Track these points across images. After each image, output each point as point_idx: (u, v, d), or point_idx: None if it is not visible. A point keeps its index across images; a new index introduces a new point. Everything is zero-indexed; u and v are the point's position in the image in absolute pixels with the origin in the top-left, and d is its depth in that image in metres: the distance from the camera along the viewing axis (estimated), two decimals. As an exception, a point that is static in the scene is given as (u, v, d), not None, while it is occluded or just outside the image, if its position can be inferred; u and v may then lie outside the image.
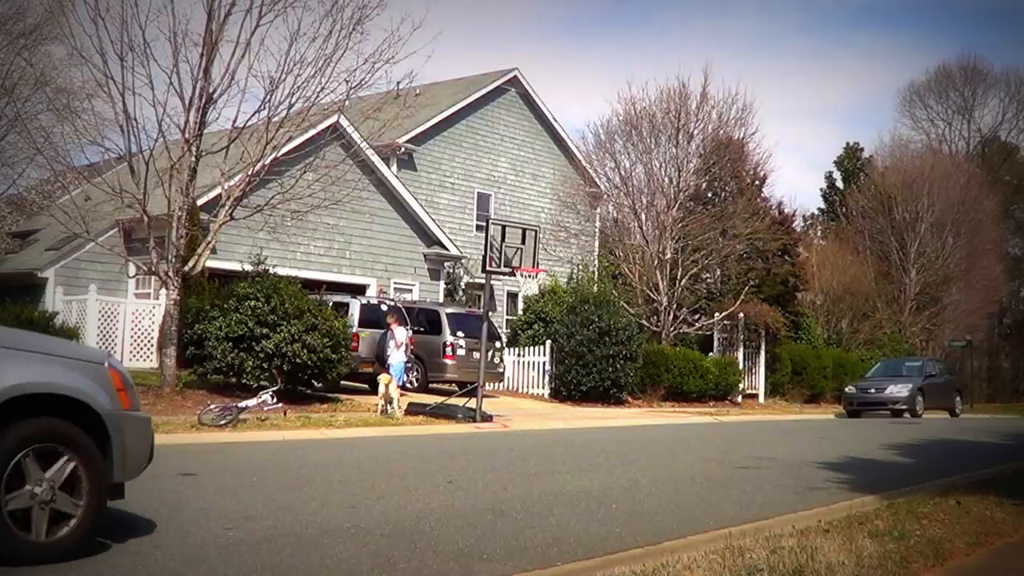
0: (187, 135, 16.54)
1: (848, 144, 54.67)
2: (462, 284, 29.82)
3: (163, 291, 17.65)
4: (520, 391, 25.19)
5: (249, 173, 17.04)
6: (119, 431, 5.67)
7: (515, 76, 32.87)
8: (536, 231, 18.28)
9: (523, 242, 17.43)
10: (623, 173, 30.18)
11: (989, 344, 56.33)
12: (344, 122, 20.67)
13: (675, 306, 28.39)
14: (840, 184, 53.08)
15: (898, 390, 27.52)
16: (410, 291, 26.63)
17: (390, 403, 16.57)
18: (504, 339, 26.46)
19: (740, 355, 30.59)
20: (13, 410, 5.17)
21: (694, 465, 11.47)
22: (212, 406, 14.31)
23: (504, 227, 17.67)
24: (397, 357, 17.64)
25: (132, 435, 5.80)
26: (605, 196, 31.61)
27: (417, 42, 55.24)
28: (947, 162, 48.88)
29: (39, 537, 5.21)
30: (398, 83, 20.11)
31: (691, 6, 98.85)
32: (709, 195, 31.00)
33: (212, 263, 18.93)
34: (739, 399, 29.22)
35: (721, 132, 29.86)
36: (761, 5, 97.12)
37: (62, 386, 5.46)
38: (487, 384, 20.76)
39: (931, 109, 61.06)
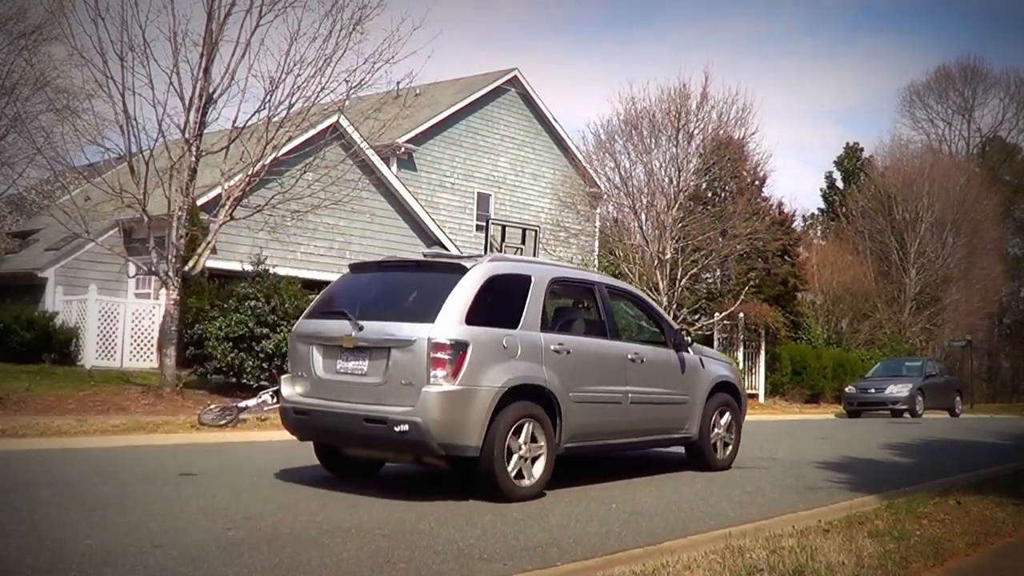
0: (187, 135, 16.55)
1: (848, 144, 54.71)
2: (462, 284, 29.77)
3: (163, 291, 17.66)
4: (520, 391, 25.13)
5: (249, 173, 17.04)
6: (742, 403, 10.80)
7: (515, 76, 32.86)
8: (536, 231, 18.32)
9: (523, 242, 17.47)
10: (623, 173, 30.12)
11: (989, 344, 56.37)
12: (344, 122, 20.66)
13: (675, 306, 28.35)
14: (840, 184, 53.08)
15: (898, 390, 27.53)
16: (410, 291, 26.58)
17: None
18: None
19: (740, 355, 30.58)
20: (716, 388, 10.29)
21: (694, 465, 11.46)
22: (212, 406, 14.31)
23: (504, 227, 17.72)
24: None
25: (743, 407, 10.83)
26: (605, 196, 31.56)
27: (417, 42, 55.55)
28: (947, 162, 48.96)
29: (721, 455, 10.37)
30: (398, 83, 20.15)
31: (692, 6, 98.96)
32: (709, 195, 30.96)
33: (212, 263, 18.94)
34: (739, 399, 29.20)
35: (721, 132, 29.80)
36: (762, 6, 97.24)
37: (728, 376, 10.58)
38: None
39: (931, 109, 61.21)
